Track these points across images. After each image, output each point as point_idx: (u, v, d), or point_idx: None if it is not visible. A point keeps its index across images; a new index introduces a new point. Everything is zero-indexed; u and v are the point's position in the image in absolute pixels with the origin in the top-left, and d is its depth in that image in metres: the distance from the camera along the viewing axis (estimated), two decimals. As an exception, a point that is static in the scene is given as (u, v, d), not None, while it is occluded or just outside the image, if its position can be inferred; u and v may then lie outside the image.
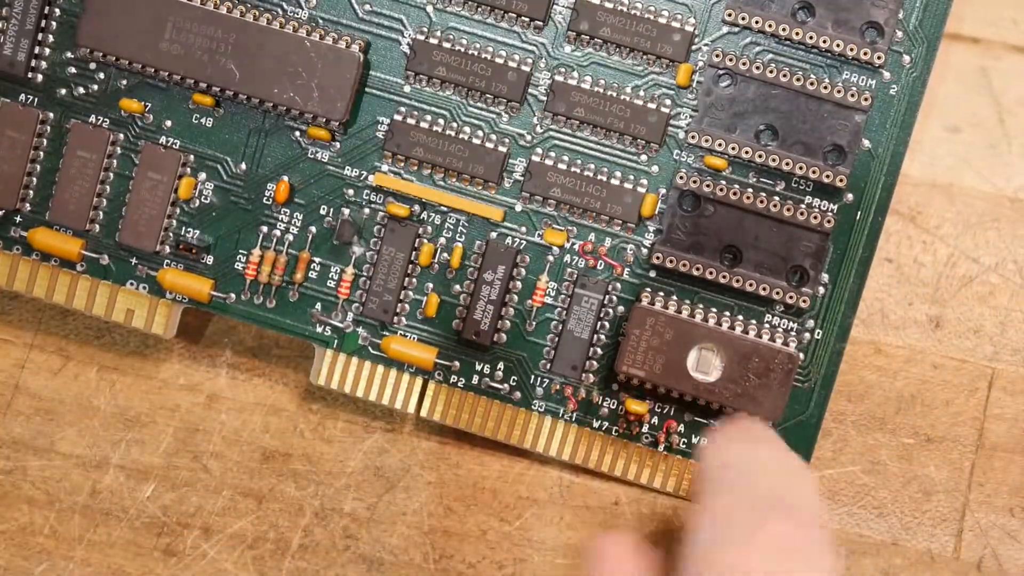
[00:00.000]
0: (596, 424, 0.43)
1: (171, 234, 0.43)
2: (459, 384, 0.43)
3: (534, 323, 0.43)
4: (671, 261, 0.42)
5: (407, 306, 0.43)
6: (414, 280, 0.43)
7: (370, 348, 0.43)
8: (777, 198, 0.42)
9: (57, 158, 0.43)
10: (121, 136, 0.43)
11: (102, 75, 0.43)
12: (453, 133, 0.42)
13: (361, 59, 0.42)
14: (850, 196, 0.42)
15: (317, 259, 0.43)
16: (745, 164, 0.42)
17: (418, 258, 0.43)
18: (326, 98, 0.42)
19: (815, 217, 0.42)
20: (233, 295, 0.44)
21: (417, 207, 0.43)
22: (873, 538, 0.45)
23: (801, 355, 0.42)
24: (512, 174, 0.43)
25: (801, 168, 0.42)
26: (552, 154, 0.43)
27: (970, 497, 0.45)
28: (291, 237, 0.43)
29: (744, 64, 0.41)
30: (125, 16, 0.42)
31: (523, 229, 0.43)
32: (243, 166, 0.43)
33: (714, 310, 0.42)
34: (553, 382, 0.43)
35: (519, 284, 0.43)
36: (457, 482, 0.45)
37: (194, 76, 0.42)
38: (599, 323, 0.43)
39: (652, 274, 0.43)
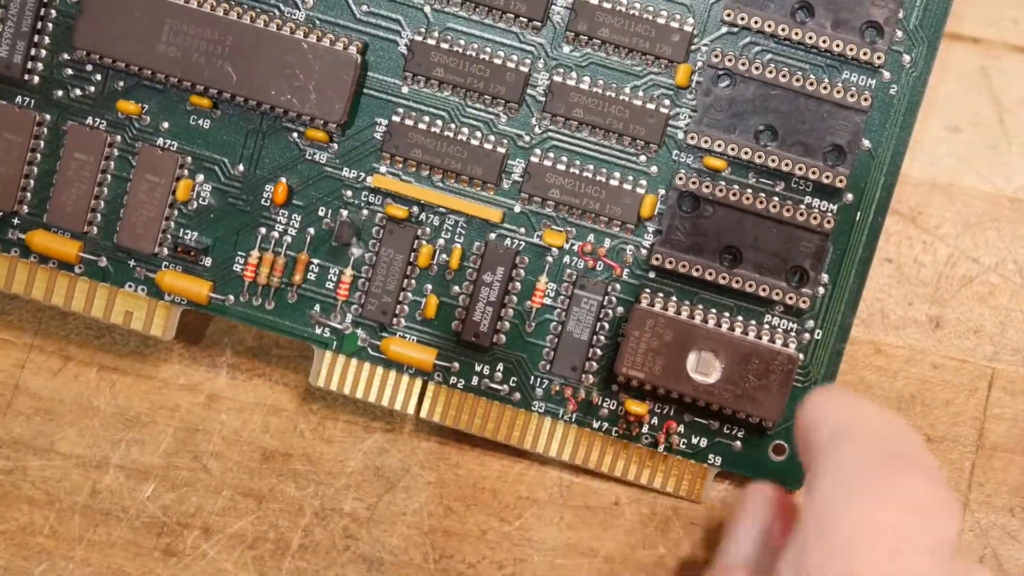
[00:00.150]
0: (596, 425, 0.43)
1: (169, 236, 0.43)
2: (459, 385, 0.43)
3: (533, 324, 0.43)
4: (670, 262, 0.42)
5: (406, 307, 0.43)
6: (413, 281, 0.43)
7: (369, 349, 0.43)
8: (777, 199, 0.42)
9: (54, 160, 0.43)
10: (118, 138, 0.43)
11: (99, 77, 0.43)
12: (451, 134, 0.42)
13: (359, 60, 0.42)
14: (850, 196, 0.42)
15: (316, 261, 0.43)
16: (744, 165, 0.42)
17: (417, 259, 0.43)
18: (324, 100, 0.42)
19: (815, 217, 0.42)
20: (232, 297, 0.43)
21: (416, 208, 0.43)
22: (873, 538, 0.45)
23: (801, 356, 0.42)
24: (511, 175, 0.43)
25: (801, 168, 0.41)
26: (551, 155, 0.42)
27: (970, 497, 0.45)
28: (289, 239, 0.43)
29: (743, 64, 0.41)
30: (122, 18, 0.42)
31: (522, 230, 0.43)
32: (241, 168, 0.43)
33: (714, 311, 0.42)
34: (553, 383, 0.43)
35: (518, 285, 0.43)
36: (457, 482, 0.45)
37: (191, 78, 0.42)
38: (598, 324, 0.43)
39: (651, 275, 0.43)
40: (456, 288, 0.43)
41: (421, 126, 0.42)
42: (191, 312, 0.45)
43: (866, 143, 0.42)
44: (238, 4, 0.42)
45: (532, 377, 0.43)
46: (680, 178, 0.42)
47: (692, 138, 0.42)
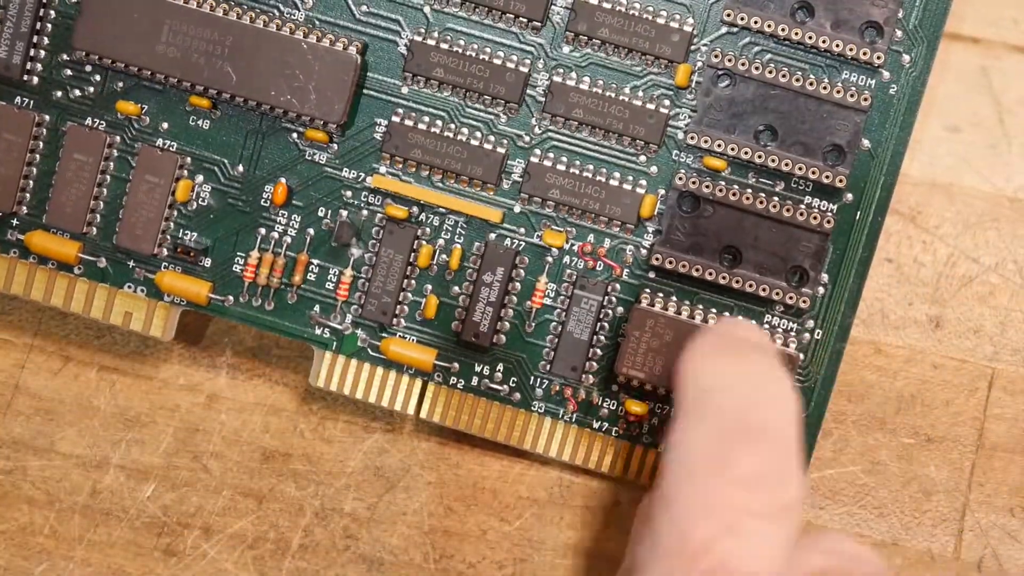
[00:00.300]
0: (596, 425, 0.43)
1: (169, 237, 0.43)
2: (458, 386, 0.43)
3: (533, 324, 0.43)
4: (670, 262, 0.42)
5: (406, 308, 0.43)
6: (413, 282, 0.43)
7: (369, 350, 0.43)
8: (776, 198, 0.42)
9: (53, 161, 0.43)
10: (118, 139, 0.43)
11: (98, 77, 0.43)
12: (451, 134, 0.42)
13: (358, 61, 0.42)
14: (850, 196, 0.42)
15: (315, 261, 0.43)
16: (744, 165, 0.42)
17: (417, 260, 0.43)
18: (323, 100, 0.42)
19: (815, 217, 0.42)
20: (231, 297, 0.43)
21: (415, 209, 0.43)
22: (873, 538, 0.45)
23: (801, 355, 0.42)
24: (511, 175, 0.43)
25: (800, 168, 0.41)
26: (551, 155, 0.42)
27: (970, 497, 0.45)
28: (289, 239, 0.43)
29: (743, 64, 0.41)
30: (121, 19, 0.42)
31: (522, 230, 0.43)
32: (240, 168, 0.43)
33: (714, 311, 0.42)
34: (553, 383, 0.43)
35: (518, 285, 0.43)
36: (457, 482, 0.45)
37: (191, 78, 0.42)
38: (598, 324, 0.43)
39: (651, 275, 0.43)
40: (456, 288, 0.43)
41: (421, 126, 0.42)
42: (191, 312, 0.45)
43: (866, 143, 0.42)
44: (238, 4, 0.42)
45: (532, 377, 0.43)
46: (680, 178, 0.42)
47: (692, 138, 0.42)
